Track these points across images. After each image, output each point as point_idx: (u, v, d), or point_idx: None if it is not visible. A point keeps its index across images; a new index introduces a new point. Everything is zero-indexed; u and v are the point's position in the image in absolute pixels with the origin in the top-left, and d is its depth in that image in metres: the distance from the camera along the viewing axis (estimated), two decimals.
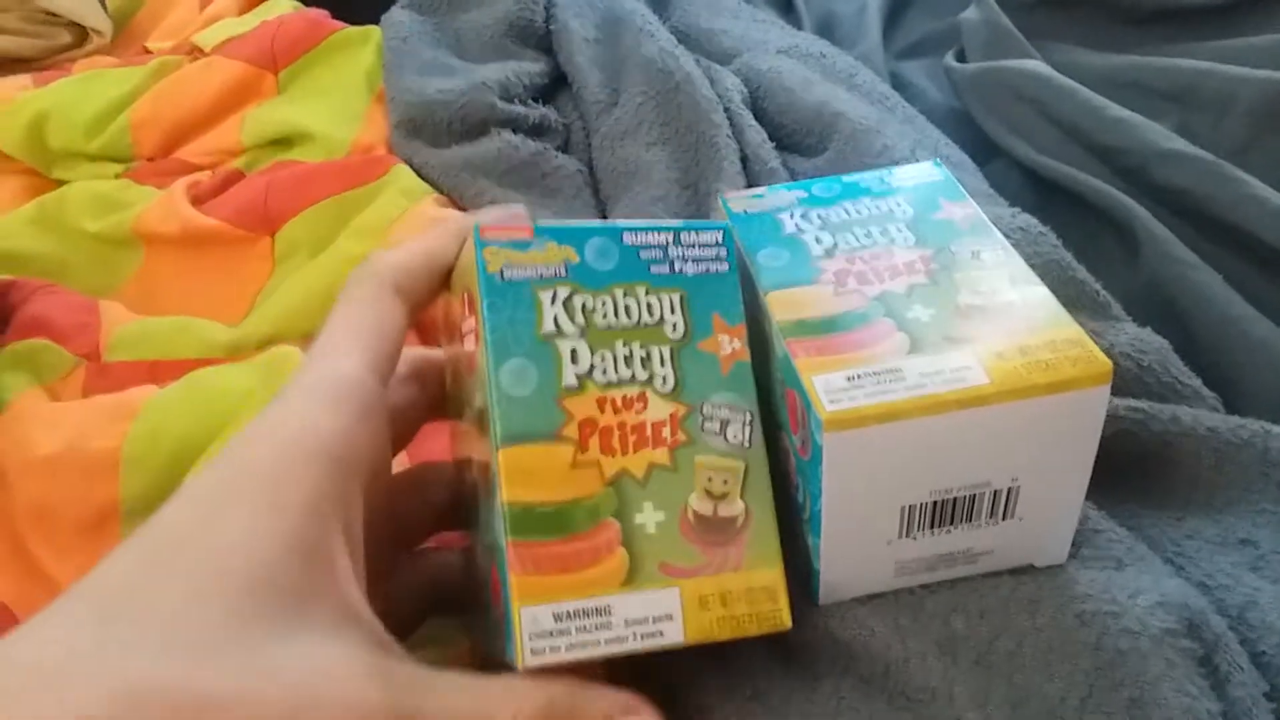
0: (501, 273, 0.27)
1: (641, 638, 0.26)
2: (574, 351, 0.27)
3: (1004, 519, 0.29)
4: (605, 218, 0.49)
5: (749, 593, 0.27)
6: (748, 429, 0.28)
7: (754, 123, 0.50)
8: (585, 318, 0.27)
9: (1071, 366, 0.26)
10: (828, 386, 0.26)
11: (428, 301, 0.29)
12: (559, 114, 0.57)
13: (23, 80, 0.62)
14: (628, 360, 0.27)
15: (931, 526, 0.28)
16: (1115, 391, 0.27)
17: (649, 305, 0.28)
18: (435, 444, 0.35)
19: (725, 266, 0.29)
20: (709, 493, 0.27)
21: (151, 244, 0.52)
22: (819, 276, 0.30)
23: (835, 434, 0.26)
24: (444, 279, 0.30)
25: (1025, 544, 0.29)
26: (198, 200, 0.53)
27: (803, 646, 0.31)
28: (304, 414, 0.25)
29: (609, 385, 0.27)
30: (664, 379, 0.27)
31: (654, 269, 0.28)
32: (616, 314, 0.27)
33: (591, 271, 0.27)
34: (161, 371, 0.43)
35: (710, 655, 0.30)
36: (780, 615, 0.27)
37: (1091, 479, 0.28)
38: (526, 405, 0.26)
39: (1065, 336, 0.27)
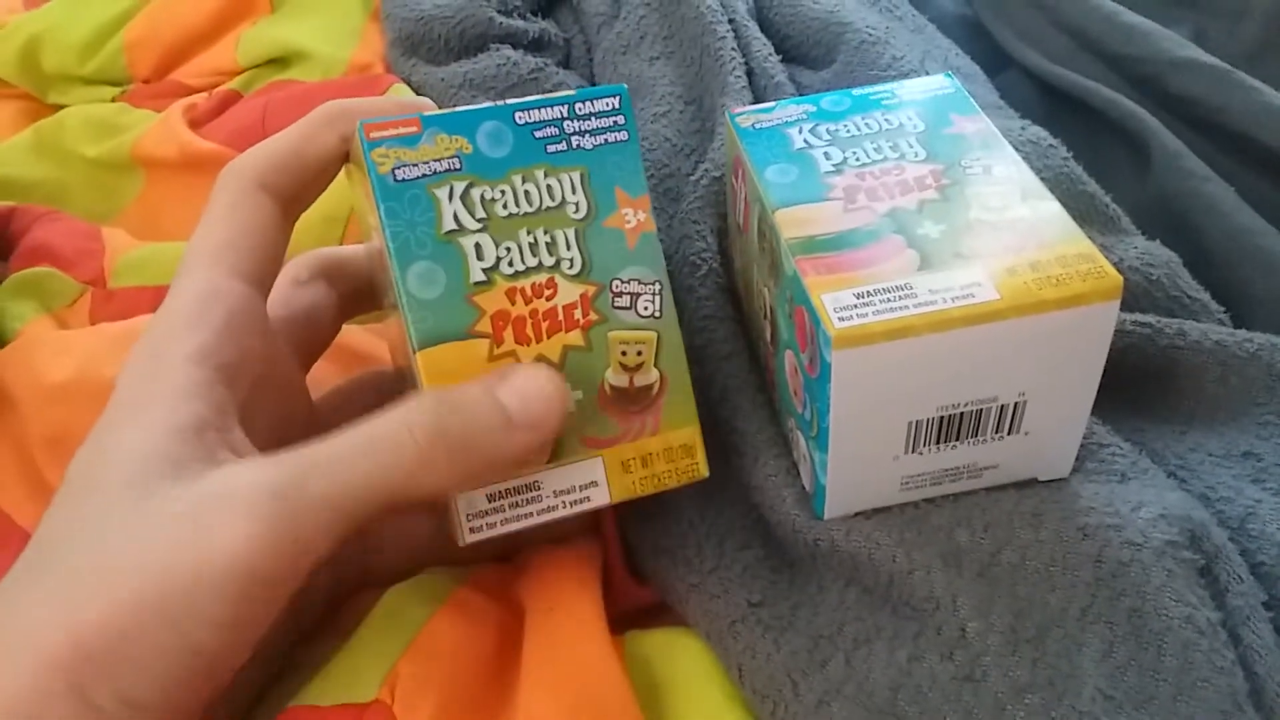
0: (394, 174, 0.27)
1: (571, 504, 0.28)
2: (478, 246, 0.27)
3: (1010, 434, 0.29)
4: None
5: (668, 451, 0.29)
6: (658, 299, 0.28)
7: (759, 34, 0.49)
8: (486, 210, 0.27)
9: (1082, 282, 0.26)
10: (837, 304, 0.26)
11: (307, 192, 0.29)
12: (559, 28, 0.55)
13: (12, 2, 0.60)
14: (533, 248, 0.27)
15: (938, 442, 0.29)
16: (1123, 306, 0.27)
17: (549, 188, 0.28)
18: None
19: (624, 135, 0.28)
20: (624, 366, 0.28)
21: (151, 168, 0.51)
22: (828, 193, 0.30)
23: (844, 351, 0.26)
24: (320, 169, 0.28)
25: (1030, 458, 0.30)
26: (195, 123, 0.52)
27: (808, 558, 0.31)
28: (168, 331, 0.26)
29: (516, 275, 0.27)
30: (571, 261, 0.28)
31: (550, 148, 0.28)
32: (517, 202, 0.27)
33: (487, 160, 0.27)
34: None
35: (712, 566, 0.31)
36: (698, 468, 0.29)
37: (1097, 393, 0.29)
38: (437, 306, 0.27)
39: (1076, 251, 0.27)
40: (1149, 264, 0.37)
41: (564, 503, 0.28)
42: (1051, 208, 0.29)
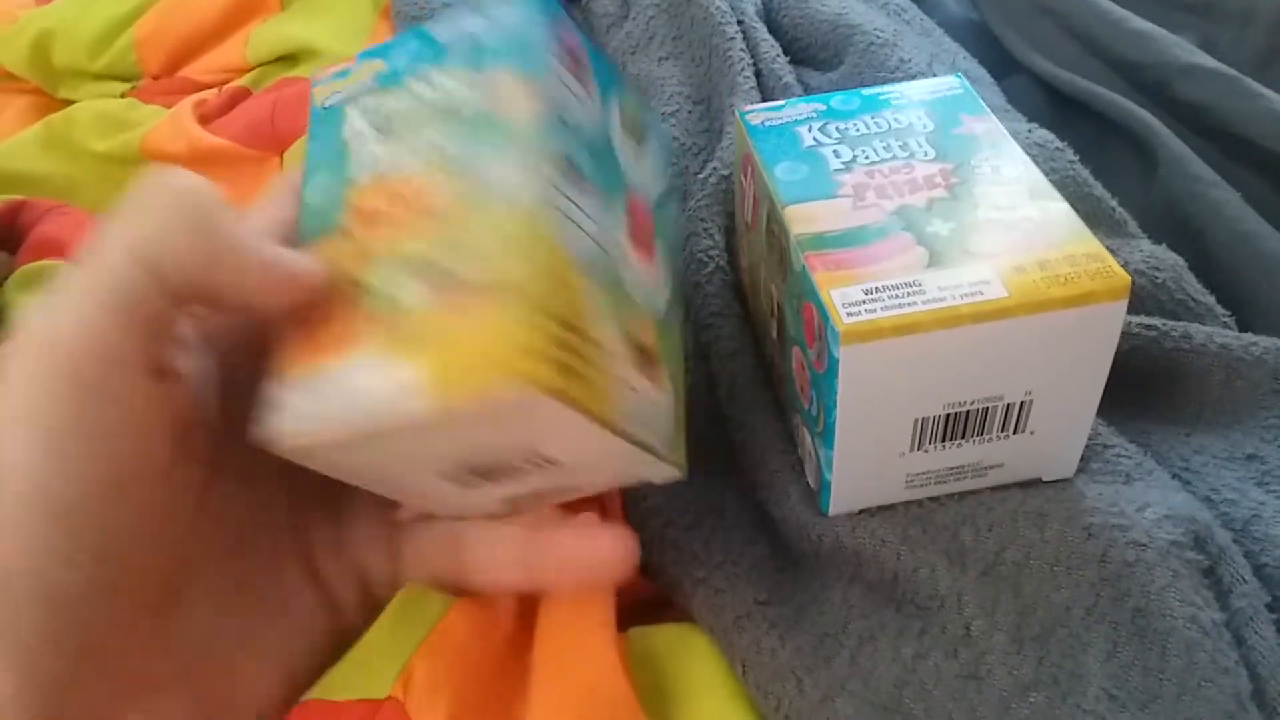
0: (323, 103, 0.28)
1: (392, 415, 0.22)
2: (370, 150, 0.27)
3: (1015, 433, 0.29)
4: None
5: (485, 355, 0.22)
6: None
7: (768, 36, 0.49)
8: (384, 115, 0.27)
9: (1090, 281, 0.26)
10: (845, 299, 0.26)
11: None
12: None
13: None
14: (415, 149, 0.26)
15: (943, 439, 0.29)
16: (1129, 308, 0.27)
17: (445, 88, 0.27)
18: None
19: (538, 29, 0.26)
20: None
21: (160, 163, 0.51)
22: (838, 190, 0.30)
23: (852, 346, 0.26)
24: None
25: (1035, 458, 0.30)
26: (205, 119, 0.52)
27: (813, 555, 0.31)
28: None
29: (394, 174, 0.26)
30: (456, 158, 0.26)
31: (452, 50, 0.27)
32: (412, 104, 0.27)
33: (395, 74, 0.27)
34: None
35: (718, 560, 0.31)
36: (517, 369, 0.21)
37: (1103, 395, 0.29)
38: (320, 208, 0.26)
39: (1084, 251, 0.27)
40: (1155, 267, 0.37)
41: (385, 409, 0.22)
42: (1060, 208, 0.29)
